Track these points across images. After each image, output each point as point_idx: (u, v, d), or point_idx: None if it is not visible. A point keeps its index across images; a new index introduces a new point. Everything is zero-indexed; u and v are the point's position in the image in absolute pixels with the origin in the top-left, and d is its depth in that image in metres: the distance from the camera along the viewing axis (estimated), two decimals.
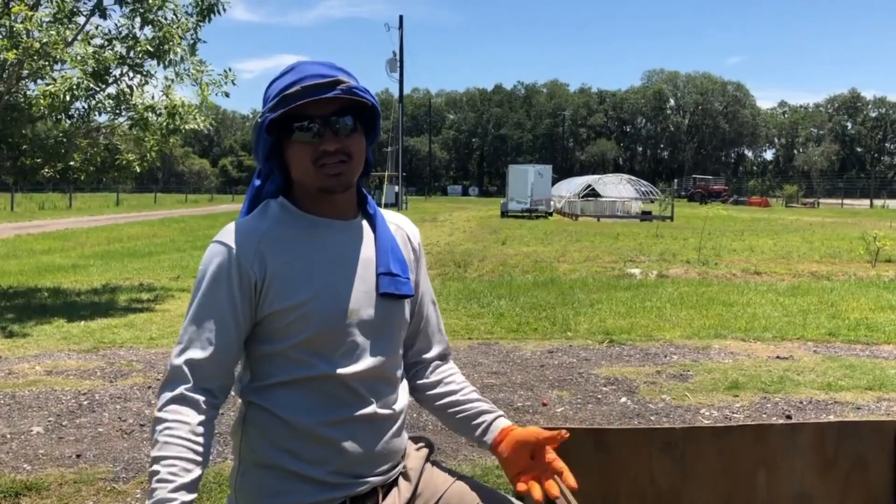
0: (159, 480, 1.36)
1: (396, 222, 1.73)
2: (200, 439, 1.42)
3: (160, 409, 1.44)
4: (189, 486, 1.38)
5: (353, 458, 1.54)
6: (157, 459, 1.39)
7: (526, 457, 1.57)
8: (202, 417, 1.44)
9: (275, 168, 1.58)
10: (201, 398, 1.45)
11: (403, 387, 1.68)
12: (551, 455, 1.57)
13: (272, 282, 1.50)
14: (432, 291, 1.80)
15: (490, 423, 1.65)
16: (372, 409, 1.56)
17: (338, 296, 1.54)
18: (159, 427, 1.42)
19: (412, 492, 1.64)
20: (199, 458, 1.41)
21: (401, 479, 1.64)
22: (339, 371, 1.52)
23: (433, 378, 1.74)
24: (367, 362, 1.56)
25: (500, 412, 1.68)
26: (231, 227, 1.54)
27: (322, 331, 1.51)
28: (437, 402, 1.72)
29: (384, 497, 1.59)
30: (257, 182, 1.64)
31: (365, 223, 1.64)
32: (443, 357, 1.78)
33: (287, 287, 1.50)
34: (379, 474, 1.58)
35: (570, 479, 1.53)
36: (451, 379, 1.74)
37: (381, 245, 1.61)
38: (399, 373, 1.67)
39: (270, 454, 1.52)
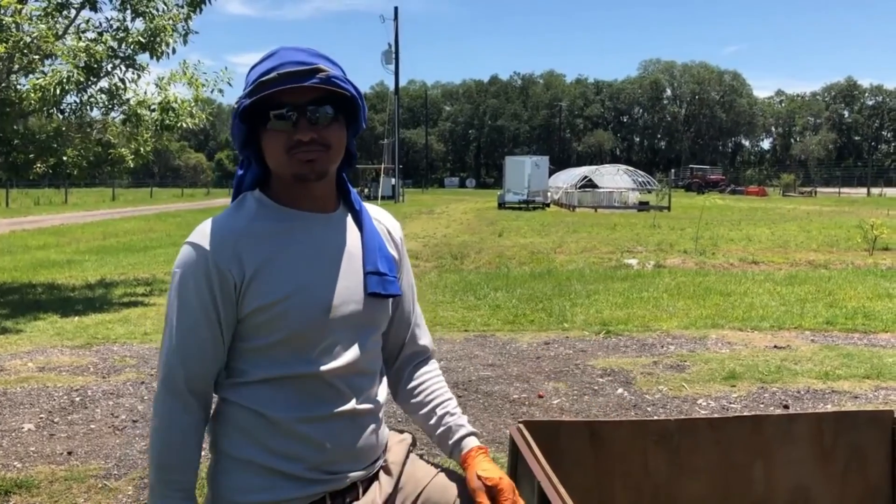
0: (171, 487, 1.48)
1: (377, 217, 1.68)
2: (195, 441, 1.50)
3: (155, 416, 1.50)
4: (192, 495, 1.50)
5: (333, 454, 1.51)
6: (160, 468, 1.48)
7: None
8: (195, 421, 1.50)
9: (251, 157, 1.54)
10: (193, 402, 1.49)
11: (383, 381, 1.65)
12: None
13: (251, 281, 1.46)
14: (414, 288, 1.76)
15: (460, 440, 1.64)
16: (351, 405, 1.53)
17: (318, 291, 1.50)
18: (157, 437, 1.49)
19: (394, 486, 1.61)
20: (195, 461, 1.50)
21: (382, 474, 1.61)
22: (319, 368, 1.49)
23: (413, 382, 1.71)
24: (346, 358, 1.52)
25: (471, 430, 1.65)
26: (206, 227, 1.49)
27: (302, 327, 1.47)
28: (418, 412, 1.71)
29: (364, 492, 1.57)
30: (240, 171, 1.60)
31: (349, 217, 1.60)
32: (424, 355, 1.75)
33: (266, 285, 1.46)
34: (359, 469, 1.56)
35: None
36: (429, 386, 1.71)
37: (369, 243, 1.57)
38: (379, 367, 1.64)
39: (248, 451, 1.49)
